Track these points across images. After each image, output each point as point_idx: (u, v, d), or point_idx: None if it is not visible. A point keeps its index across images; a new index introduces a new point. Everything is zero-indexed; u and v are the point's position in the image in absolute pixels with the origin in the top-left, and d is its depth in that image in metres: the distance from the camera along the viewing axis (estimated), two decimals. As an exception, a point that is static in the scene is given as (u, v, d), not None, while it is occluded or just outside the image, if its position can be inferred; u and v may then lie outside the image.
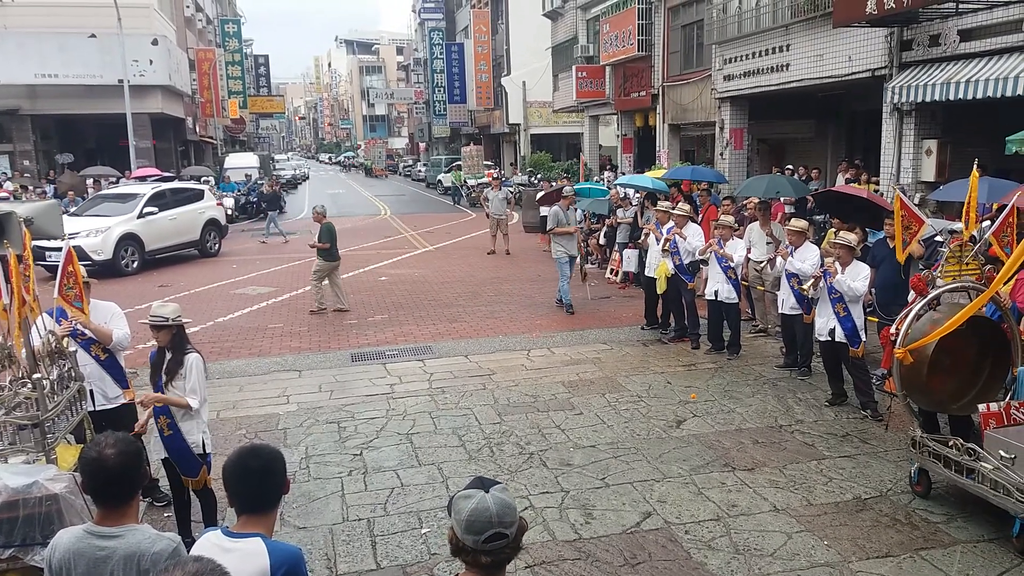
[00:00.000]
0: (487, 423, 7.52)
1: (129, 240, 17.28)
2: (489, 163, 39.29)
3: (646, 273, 10.95)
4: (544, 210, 20.00)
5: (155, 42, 28.50)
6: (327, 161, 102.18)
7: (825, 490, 5.97)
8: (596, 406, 7.93)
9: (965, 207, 5.93)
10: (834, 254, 7.68)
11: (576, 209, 18.00)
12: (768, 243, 10.45)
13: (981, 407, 5.56)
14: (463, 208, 33.70)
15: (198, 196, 20.29)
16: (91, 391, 5.42)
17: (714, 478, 6.21)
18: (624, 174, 23.37)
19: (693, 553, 5.11)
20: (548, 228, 12.89)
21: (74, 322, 5.30)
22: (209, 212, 20.25)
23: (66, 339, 4.96)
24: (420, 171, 55.75)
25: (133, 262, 17.35)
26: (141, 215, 17.78)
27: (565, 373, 9.09)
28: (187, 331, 5.20)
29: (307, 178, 61.31)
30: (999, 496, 5.05)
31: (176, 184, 21.70)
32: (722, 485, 6.09)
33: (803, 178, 15.77)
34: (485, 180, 27.70)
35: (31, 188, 23.01)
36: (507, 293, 14.08)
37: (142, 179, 24.04)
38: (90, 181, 23.62)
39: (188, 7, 40.04)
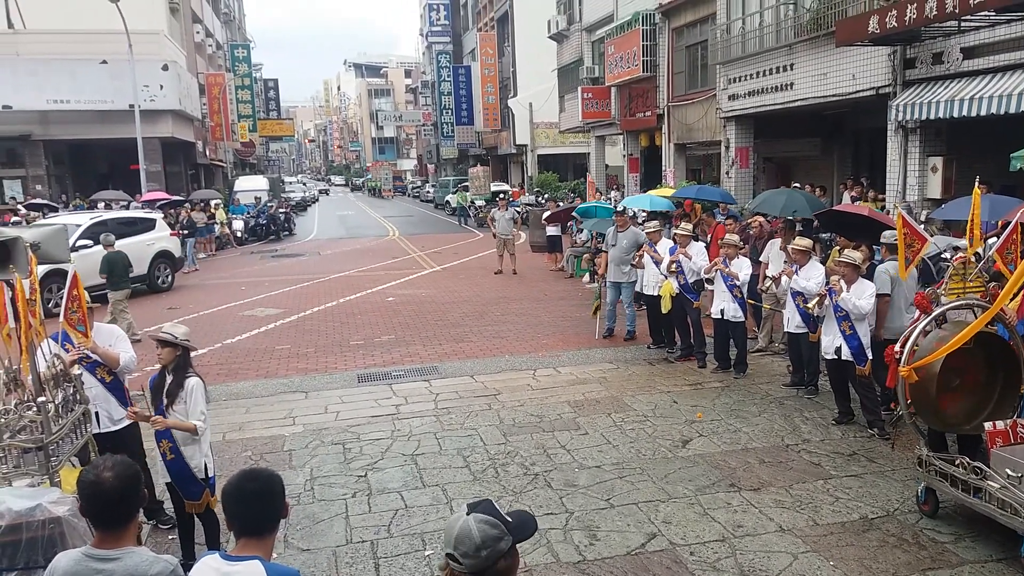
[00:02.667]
0: (492, 444, 7.51)
1: (56, 278, 13.81)
2: (506, 188, 39.20)
3: (645, 291, 10.94)
4: (551, 230, 20.13)
5: (165, 67, 28.88)
6: (340, 184, 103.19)
7: (832, 510, 5.92)
8: (602, 426, 7.90)
9: (969, 224, 5.92)
10: (839, 272, 7.66)
11: (583, 230, 18.13)
12: (785, 261, 10.40)
13: (987, 425, 5.52)
14: (470, 228, 33.83)
15: (148, 226, 18.44)
16: (96, 413, 5.44)
17: (720, 498, 6.18)
18: (624, 196, 23.39)
19: (698, 574, 5.08)
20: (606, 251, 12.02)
21: (81, 348, 5.33)
22: (160, 244, 18.35)
23: (73, 364, 5.00)
24: (428, 192, 56.11)
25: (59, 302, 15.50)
26: (73, 249, 14.24)
27: (571, 393, 9.08)
28: (194, 354, 5.24)
29: (316, 200, 61.78)
30: (1007, 515, 5.00)
31: (122, 213, 20.00)
32: (728, 505, 6.05)
33: (809, 196, 15.76)
34: (511, 198, 27.35)
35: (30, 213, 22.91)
36: (514, 313, 14.09)
37: (150, 203, 24.24)
38: (101, 205, 23.75)
39: (198, 33, 40.56)
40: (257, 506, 2.55)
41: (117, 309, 12.39)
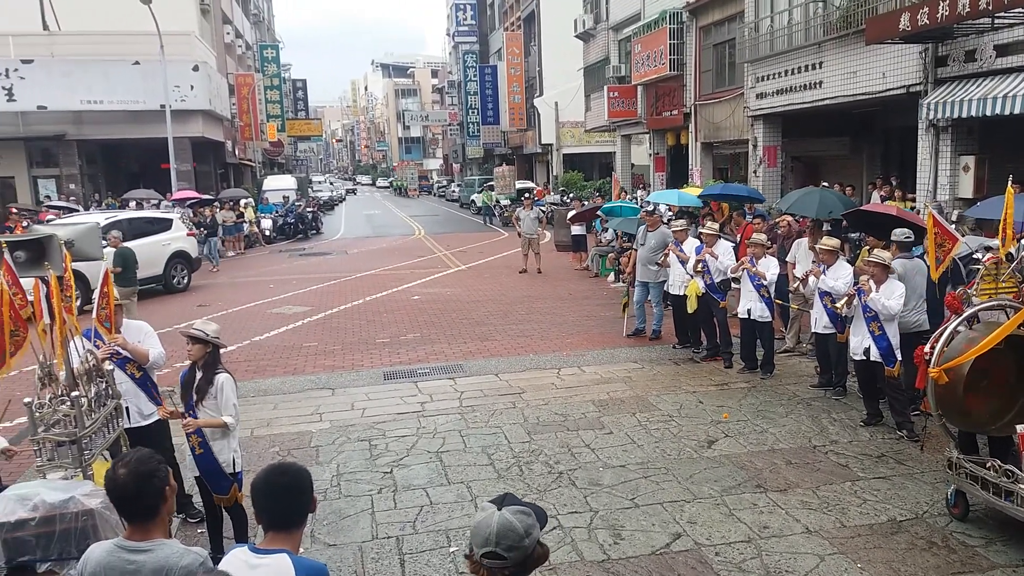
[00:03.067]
0: (516, 442, 7.52)
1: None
2: (532, 185, 39.18)
3: (671, 291, 10.89)
4: (576, 229, 20.10)
5: (196, 68, 29.22)
6: (367, 183, 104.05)
7: (859, 512, 5.87)
8: (626, 425, 7.89)
9: (1002, 224, 5.83)
10: (868, 272, 7.58)
11: (608, 229, 18.08)
12: (813, 261, 10.30)
13: (1019, 427, 5.43)
14: (495, 227, 33.88)
15: (164, 226, 18.46)
16: (127, 408, 5.54)
17: (746, 499, 6.14)
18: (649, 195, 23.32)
19: (723, 575, 5.05)
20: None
21: (112, 344, 5.43)
22: (176, 244, 18.34)
23: (105, 360, 5.09)
24: (454, 191, 56.28)
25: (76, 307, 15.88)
26: None
27: (595, 392, 9.07)
28: (222, 351, 5.30)
29: (343, 199, 62.05)
30: (1039, 519, 4.92)
31: (137, 212, 20.23)
32: (754, 506, 6.01)
33: (838, 196, 15.59)
34: (535, 197, 27.17)
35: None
36: (538, 312, 14.10)
37: (180, 201, 24.56)
38: (132, 204, 24.10)
39: (228, 34, 41.00)
40: (286, 500, 2.59)
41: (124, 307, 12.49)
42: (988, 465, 5.37)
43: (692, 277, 10.17)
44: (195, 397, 5.01)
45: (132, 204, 24.37)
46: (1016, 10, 10.38)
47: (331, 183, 74.33)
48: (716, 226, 10.65)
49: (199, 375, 5.05)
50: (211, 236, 22.69)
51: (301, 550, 2.75)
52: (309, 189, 47.41)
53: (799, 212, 11.72)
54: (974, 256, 8.35)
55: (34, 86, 27.13)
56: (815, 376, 9.19)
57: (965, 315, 5.77)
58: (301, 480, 2.64)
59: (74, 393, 4.40)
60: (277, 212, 31.75)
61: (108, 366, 5.02)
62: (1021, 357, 5.88)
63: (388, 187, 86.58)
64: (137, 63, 27.78)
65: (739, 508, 5.99)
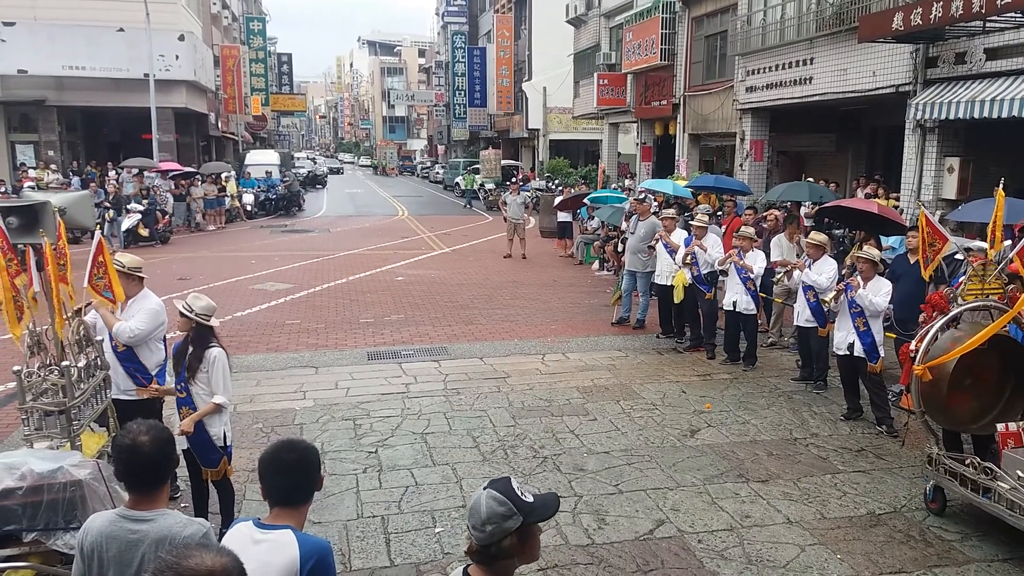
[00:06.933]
0: (501, 425, 7.55)
1: None
2: (518, 164, 39.12)
3: (657, 281, 10.95)
4: (562, 216, 20.12)
5: (182, 38, 28.74)
6: (348, 161, 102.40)
7: (839, 504, 5.96)
8: (610, 412, 7.94)
9: (991, 226, 5.90)
10: (859, 267, 7.66)
11: (593, 217, 18.11)
12: (798, 254, 10.41)
13: (999, 426, 5.54)
14: (479, 211, 33.80)
15: None
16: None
17: (728, 488, 6.22)
18: (636, 184, 23.37)
19: (706, 562, 5.12)
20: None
21: (91, 307, 5.30)
22: None
23: (94, 325, 5.02)
24: (438, 173, 55.92)
25: None
26: None
27: (580, 379, 9.11)
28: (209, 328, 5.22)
29: (325, 184, 53.40)
30: (1015, 516, 5.03)
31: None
32: (736, 496, 6.09)
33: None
34: (523, 180, 26.85)
35: (54, 181, 23.14)
36: (523, 297, 14.12)
37: (163, 172, 24.27)
38: (124, 172, 23.77)
39: (215, 4, 40.33)
40: (293, 476, 2.60)
41: None
42: (968, 462, 5.47)
43: (680, 268, 10.23)
44: (186, 374, 4.96)
45: (124, 172, 23.96)
46: (1008, 14, 10.47)
47: (314, 160, 72.68)
48: (706, 218, 10.70)
49: (190, 349, 5.00)
50: (117, 215, 20.76)
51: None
52: (291, 165, 46.83)
53: (790, 199, 11.85)
54: (955, 256, 8.48)
55: (15, 50, 26.54)
56: (797, 369, 9.30)
57: (951, 314, 5.86)
58: (309, 457, 2.64)
59: (64, 362, 4.36)
60: (259, 187, 31.41)
61: (98, 337, 4.97)
62: (1004, 357, 5.99)
63: (370, 166, 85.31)
64: (122, 30, 27.25)
65: (721, 497, 6.06)
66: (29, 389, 4.39)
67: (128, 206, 20.98)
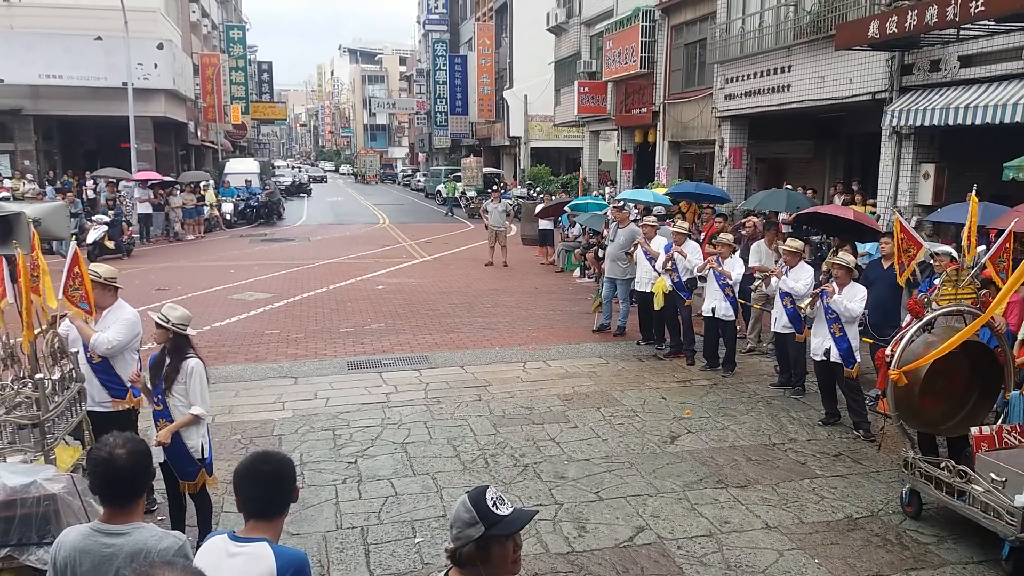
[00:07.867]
0: (482, 434, 7.55)
1: None
2: (500, 172, 39.15)
3: (637, 288, 11.00)
4: (543, 224, 20.15)
5: (161, 46, 28.56)
6: (330, 170, 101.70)
7: (817, 508, 6.00)
8: (591, 420, 7.96)
9: (966, 232, 5.98)
10: (834, 274, 7.73)
11: (574, 224, 18.18)
12: (776, 261, 10.48)
13: (973, 430, 5.61)
14: (461, 219, 33.78)
15: None
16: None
17: (707, 494, 6.25)
18: (617, 191, 23.45)
19: (685, 568, 5.14)
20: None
21: (65, 318, 5.23)
22: None
23: (67, 336, 4.97)
24: (419, 181, 55.84)
25: None
26: None
27: (560, 386, 9.12)
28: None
29: (310, 192, 52.37)
30: (989, 519, 5.09)
31: None
32: (715, 501, 6.12)
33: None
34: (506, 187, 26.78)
35: (30, 191, 22.83)
36: (504, 305, 14.12)
37: (142, 182, 24.07)
38: (101, 182, 23.51)
39: (194, 12, 40.16)
40: (268, 488, 2.58)
41: None
42: (943, 466, 5.53)
43: (660, 275, 10.28)
44: (163, 385, 4.92)
45: (101, 182, 23.74)
46: (981, 22, 10.62)
47: (295, 168, 72.16)
48: (686, 225, 10.78)
49: (167, 360, 4.95)
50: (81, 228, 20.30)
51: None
52: (271, 174, 46.55)
53: (769, 208, 11.95)
54: (928, 262, 8.58)
55: (-9, 58, 26.29)
56: (775, 375, 9.36)
57: (924, 320, 5.93)
58: (284, 469, 2.63)
59: (38, 375, 4.31)
60: (238, 196, 31.21)
61: (73, 348, 4.92)
62: (974, 362, 6.07)
63: (352, 175, 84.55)
64: (100, 38, 27.02)
65: (701, 503, 6.09)
66: (2, 402, 4.34)
67: (93, 217, 20.76)
